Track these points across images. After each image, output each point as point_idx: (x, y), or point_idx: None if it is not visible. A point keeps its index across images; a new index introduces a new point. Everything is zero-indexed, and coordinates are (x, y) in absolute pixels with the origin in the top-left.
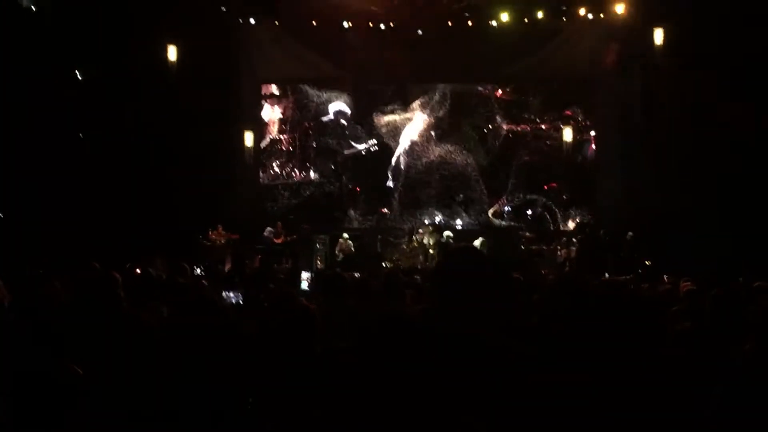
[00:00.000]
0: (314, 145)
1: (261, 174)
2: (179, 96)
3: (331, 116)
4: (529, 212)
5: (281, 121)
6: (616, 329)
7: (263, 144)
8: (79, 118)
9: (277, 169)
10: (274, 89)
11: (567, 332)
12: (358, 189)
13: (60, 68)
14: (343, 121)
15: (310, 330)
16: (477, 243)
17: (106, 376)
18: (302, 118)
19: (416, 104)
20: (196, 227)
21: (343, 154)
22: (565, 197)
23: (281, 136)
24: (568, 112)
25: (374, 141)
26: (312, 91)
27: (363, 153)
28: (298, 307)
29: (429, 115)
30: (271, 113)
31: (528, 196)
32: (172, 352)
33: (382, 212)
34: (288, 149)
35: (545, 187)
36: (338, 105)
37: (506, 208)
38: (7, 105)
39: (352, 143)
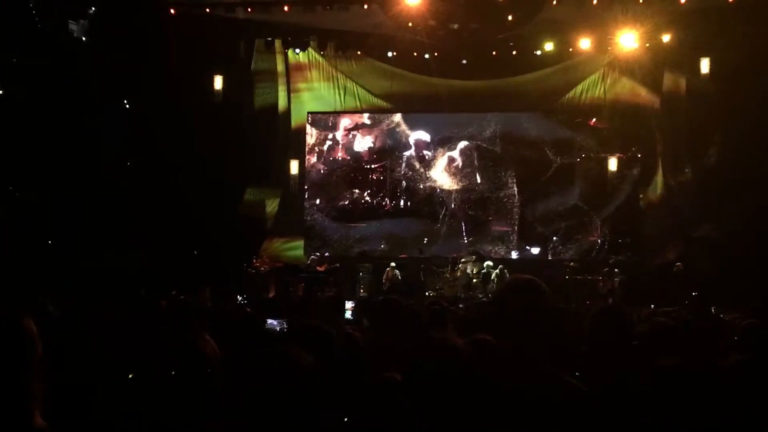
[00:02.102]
0: (403, 174)
1: (346, 202)
2: (225, 125)
3: (413, 148)
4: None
5: (371, 151)
6: (662, 362)
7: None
8: (126, 146)
9: (368, 198)
10: (365, 119)
11: (614, 363)
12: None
13: (108, 97)
14: (426, 152)
15: (357, 359)
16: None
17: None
18: (392, 147)
19: (462, 135)
20: (241, 255)
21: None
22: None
23: (372, 165)
24: (591, 123)
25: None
26: (399, 120)
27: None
28: (343, 335)
29: (474, 146)
30: (362, 142)
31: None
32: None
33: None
34: (379, 178)
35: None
36: (418, 134)
37: (599, 240)
38: (57, 133)
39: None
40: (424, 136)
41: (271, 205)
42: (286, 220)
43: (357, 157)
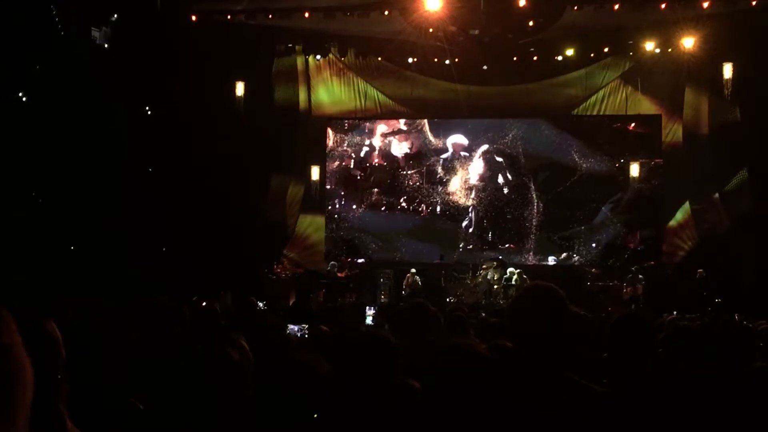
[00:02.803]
0: (437, 180)
1: (382, 208)
2: (246, 131)
3: (450, 150)
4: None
5: (407, 156)
6: (684, 368)
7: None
8: (147, 152)
9: (404, 204)
10: (401, 124)
11: (636, 370)
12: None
13: (130, 103)
14: (464, 153)
15: (390, 361)
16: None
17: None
18: (426, 153)
19: (483, 141)
20: (261, 261)
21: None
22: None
23: (409, 172)
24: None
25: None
26: (425, 122)
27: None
28: (375, 336)
29: (495, 151)
30: (399, 148)
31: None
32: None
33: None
34: (415, 184)
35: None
36: (456, 137)
37: (639, 248)
38: (79, 140)
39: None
40: (462, 139)
41: (296, 192)
42: (307, 225)
43: (393, 162)
